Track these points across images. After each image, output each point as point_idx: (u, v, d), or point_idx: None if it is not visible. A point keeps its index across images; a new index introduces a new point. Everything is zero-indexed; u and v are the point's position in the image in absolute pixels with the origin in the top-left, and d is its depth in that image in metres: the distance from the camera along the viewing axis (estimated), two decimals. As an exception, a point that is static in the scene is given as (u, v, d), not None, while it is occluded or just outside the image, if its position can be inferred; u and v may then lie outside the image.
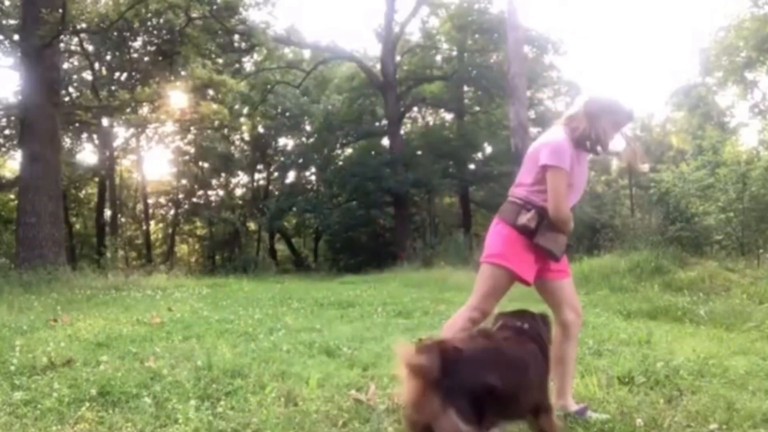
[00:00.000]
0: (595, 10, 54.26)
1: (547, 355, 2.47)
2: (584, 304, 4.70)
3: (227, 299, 8.58)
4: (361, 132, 25.58)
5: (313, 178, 28.66)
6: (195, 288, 10.76)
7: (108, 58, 20.08)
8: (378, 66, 23.59)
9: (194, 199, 27.17)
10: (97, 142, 23.08)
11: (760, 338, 4.97)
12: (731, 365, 3.80)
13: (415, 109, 27.71)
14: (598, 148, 2.85)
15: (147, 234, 25.48)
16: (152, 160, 42.20)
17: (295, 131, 27.03)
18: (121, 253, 20.27)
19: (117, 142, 23.27)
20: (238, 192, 29.60)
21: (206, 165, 27.03)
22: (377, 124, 25.83)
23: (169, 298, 8.71)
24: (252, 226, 28.00)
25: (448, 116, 28.41)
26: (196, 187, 27.07)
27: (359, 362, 3.91)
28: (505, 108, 17.12)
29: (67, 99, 18.72)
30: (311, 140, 26.77)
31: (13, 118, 18.00)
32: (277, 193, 27.49)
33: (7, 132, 20.09)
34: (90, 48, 18.85)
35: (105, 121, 20.57)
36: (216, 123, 19.90)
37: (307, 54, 27.13)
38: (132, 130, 22.52)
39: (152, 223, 27.69)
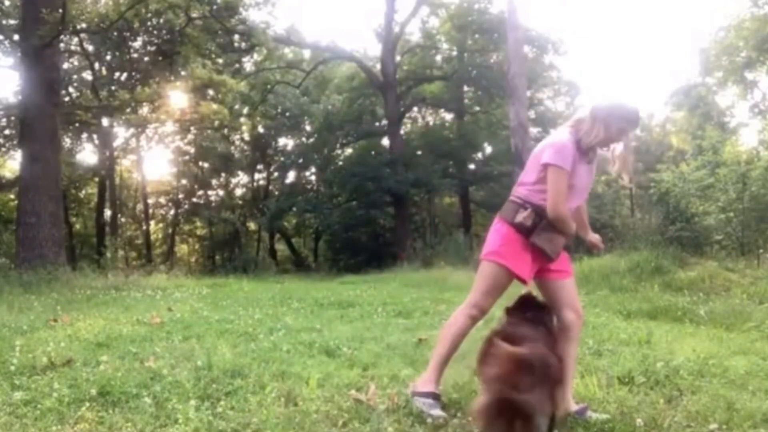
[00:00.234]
0: (595, 10, 54.31)
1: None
2: (584, 304, 4.69)
3: (227, 299, 8.57)
4: (361, 132, 25.59)
5: (313, 178, 28.68)
6: (195, 288, 10.75)
7: (108, 58, 20.08)
8: (378, 66, 23.59)
9: (194, 199, 27.18)
10: (97, 142, 23.09)
11: (760, 338, 4.97)
12: (731, 365, 3.80)
13: (415, 109, 27.72)
14: (600, 149, 2.88)
15: (147, 234, 25.49)
16: (152, 160, 42.25)
17: (295, 131, 27.03)
18: (121, 253, 20.28)
19: (117, 142, 23.28)
20: (238, 192, 29.65)
21: (206, 165, 27.03)
22: (377, 124, 25.83)
23: (169, 298, 8.71)
24: (252, 226, 28.01)
25: (448, 116, 28.43)
26: (196, 187, 27.07)
27: (359, 362, 3.91)
28: (505, 108, 17.13)
29: (67, 99, 18.72)
30: (311, 140, 26.78)
31: (13, 118, 18.00)
32: (277, 193, 27.50)
33: (7, 132, 20.10)
34: (90, 48, 18.85)
35: (105, 121, 20.57)
36: (216, 123, 19.91)
37: (307, 54, 27.14)
38: (132, 130, 22.52)
39: (152, 223, 27.70)
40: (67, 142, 21.72)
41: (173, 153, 26.12)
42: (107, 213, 23.50)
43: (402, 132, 24.74)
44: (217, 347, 4.39)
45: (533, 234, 2.76)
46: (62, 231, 13.80)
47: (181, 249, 29.19)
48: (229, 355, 4.07)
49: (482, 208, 26.76)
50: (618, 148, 2.89)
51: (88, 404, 2.90)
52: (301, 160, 27.19)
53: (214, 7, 16.10)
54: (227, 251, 25.79)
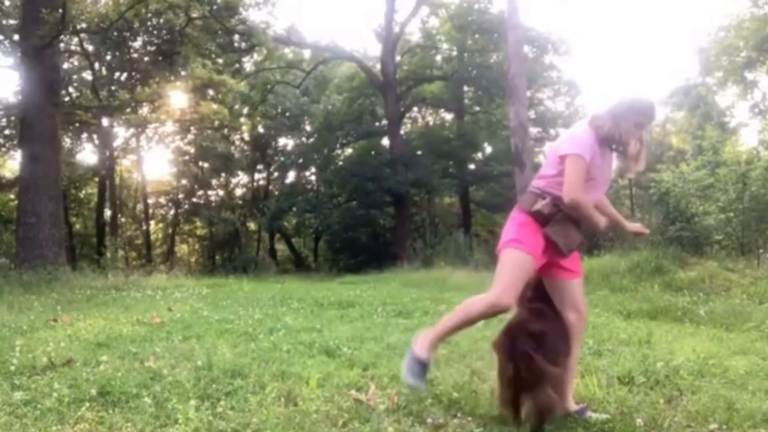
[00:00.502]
0: (595, 10, 54.29)
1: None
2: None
3: (227, 299, 8.58)
4: (361, 132, 25.59)
5: (313, 178, 28.69)
6: (195, 288, 10.76)
7: (108, 58, 20.06)
8: (378, 66, 23.59)
9: (194, 199, 27.18)
10: (97, 142, 23.09)
11: (760, 338, 4.98)
12: (731, 365, 3.80)
13: (415, 109, 27.72)
14: (620, 148, 2.87)
15: (147, 234, 25.49)
16: (152, 160, 42.27)
17: (295, 131, 27.03)
18: (121, 253, 20.28)
19: (117, 142, 23.29)
20: (238, 192, 29.65)
21: (206, 165, 27.03)
22: (377, 124, 25.83)
23: (169, 298, 8.71)
24: (252, 226, 28.02)
25: (448, 116, 28.43)
26: (196, 187, 27.07)
27: (359, 362, 3.91)
28: (505, 108, 17.12)
29: (67, 99, 18.71)
30: (311, 140, 26.79)
31: (13, 118, 18.00)
32: (277, 193, 27.51)
33: (7, 132, 20.10)
34: (90, 48, 18.83)
35: (105, 121, 20.57)
36: (216, 123, 19.91)
37: (307, 54, 27.14)
38: (132, 130, 22.52)
39: (152, 223, 27.70)
40: (67, 142, 21.72)
41: (173, 153, 26.13)
42: (107, 213, 23.51)
43: (402, 132, 24.75)
44: (217, 347, 4.39)
45: (549, 224, 2.76)
46: (62, 231, 13.81)
47: (181, 249, 29.20)
48: (229, 355, 4.07)
49: (482, 208, 26.78)
50: (635, 142, 2.90)
51: (88, 404, 2.90)
52: (301, 160, 27.20)
53: (214, 7, 16.09)
54: (227, 251, 25.77)
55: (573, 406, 2.84)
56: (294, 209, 24.25)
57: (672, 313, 6.26)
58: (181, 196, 27.32)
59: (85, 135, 23.03)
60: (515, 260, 2.76)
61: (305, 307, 7.40)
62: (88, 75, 20.18)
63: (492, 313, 2.81)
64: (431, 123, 29.00)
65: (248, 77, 23.11)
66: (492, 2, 23.11)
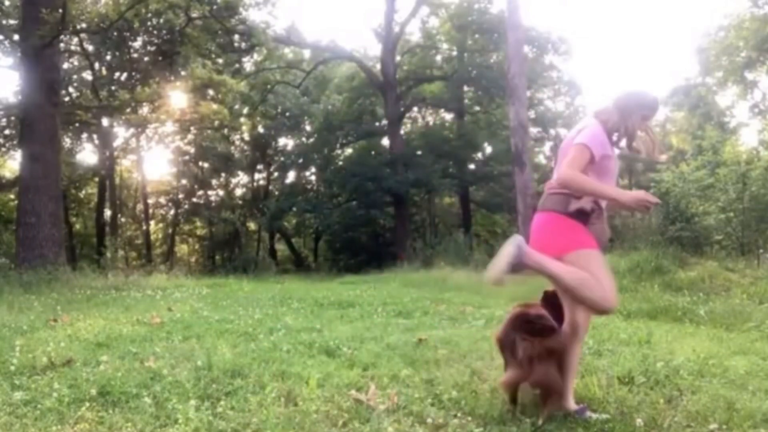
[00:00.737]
0: (595, 10, 54.30)
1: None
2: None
3: (227, 299, 8.58)
4: (361, 132, 25.59)
5: (313, 178, 28.70)
6: (195, 288, 10.77)
7: (108, 58, 20.07)
8: (378, 66, 23.60)
9: (194, 199, 27.18)
10: (97, 142, 23.10)
11: (760, 338, 4.98)
12: (731, 365, 3.80)
13: (415, 109, 27.73)
14: (624, 142, 2.89)
15: (147, 234, 25.49)
16: (152, 160, 42.29)
17: (295, 131, 27.04)
18: (121, 253, 20.28)
19: (117, 142, 23.29)
20: (238, 192, 29.66)
21: (206, 165, 27.04)
22: (377, 124, 25.85)
23: (169, 298, 8.71)
24: (252, 226, 28.02)
25: (448, 116, 28.43)
26: (196, 187, 27.07)
27: (359, 362, 3.91)
28: (505, 108, 17.13)
29: (67, 99, 18.72)
30: (311, 140, 26.79)
31: (13, 118, 18.00)
32: (277, 193, 27.52)
33: (7, 132, 20.10)
34: (90, 48, 18.83)
35: (105, 121, 20.58)
36: (216, 123, 19.91)
37: (307, 54, 27.15)
38: (132, 130, 22.52)
39: (152, 223, 27.70)
40: (67, 142, 21.72)
41: (173, 153, 26.13)
42: (107, 213, 23.51)
43: (402, 132, 24.75)
44: (217, 347, 4.39)
45: (590, 222, 2.76)
46: (62, 231, 13.81)
47: (181, 249, 29.20)
48: (229, 355, 4.07)
49: (482, 208, 26.77)
50: (641, 134, 2.91)
51: (88, 404, 2.90)
52: (301, 160, 27.21)
53: (214, 7, 16.10)
54: (227, 251, 25.78)
55: (573, 405, 2.85)
56: (294, 209, 24.26)
57: (672, 313, 6.26)
58: (181, 196, 27.33)
59: (85, 135, 23.04)
60: (588, 258, 2.71)
61: (305, 307, 7.40)
62: (88, 75, 20.19)
63: (600, 306, 2.69)
64: (431, 123, 29.00)
65: (248, 77, 23.12)
66: (492, 2, 23.16)
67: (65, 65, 18.74)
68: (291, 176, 28.91)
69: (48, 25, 12.13)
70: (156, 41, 18.48)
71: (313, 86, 25.92)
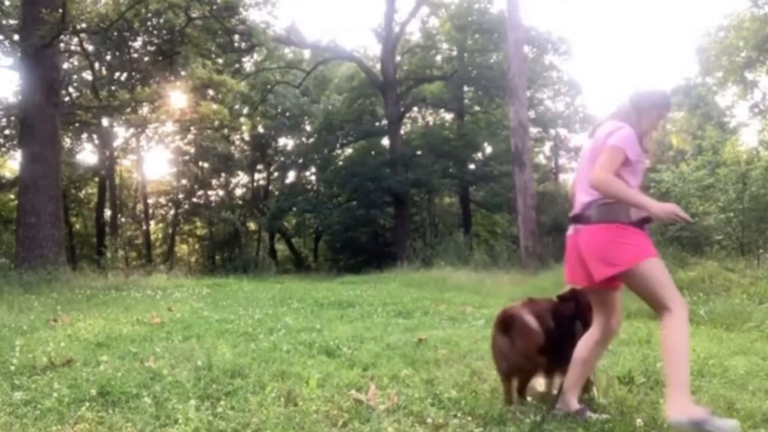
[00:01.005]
0: (595, 10, 54.29)
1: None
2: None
3: (227, 299, 8.58)
4: (361, 132, 25.60)
5: (313, 178, 28.70)
6: (195, 288, 10.77)
7: (108, 58, 20.07)
8: (378, 66, 23.60)
9: (194, 199, 27.19)
10: (97, 142, 23.10)
11: (760, 338, 4.98)
12: (731, 365, 3.80)
13: (415, 109, 27.73)
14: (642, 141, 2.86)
15: (147, 234, 25.50)
16: (152, 160, 42.34)
17: (295, 131, 27.04)
18: (121, 253, 20.27)
19: (117, 142, 23.30)
20: (238, 192, 29.67)
21: (206, 165, 27.05)
22: (377, 124, 25.84)
23: (169, 298, 8.72)
24: (252, 226, 28.03)
25: (448, 116, 28.44)
26: (196, 187, 27.08)
27: (359, 362, 3.91)
28: (505, 108, 17.13)
29: (67, 99, 18.72)
30: (311, 140, 26.79)
31: (13, 118, 18.00)
32: (277, 193, 27.52)
33: (7, 132, 20.10)
34: (90, 48, 18.84)
35: (105, 121, 20.57)
36: (216, 123, 19.88)
37: (307, 54, 27.14)
38: (132, 130, 22.52)
39: (152, 223, 27.71)
40: (67, 142, 21.73)
41: (173, 153, 26.14)
42: (107, 213, 23.52)
43: (402, 132, 24.75)
44: (217, 347, 4.39)
45: (644, 229, 2.74)
46: (62, 231, 13.80)
47: (181, 249, 29.20)
48: (229, 355, 4.07)
49: (482, 208, 26.77)
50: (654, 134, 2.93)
51: (88, 404, 2.90)
52: (301, 160, 27.22)
53: (214, 7, 16.09)
54: (227, 251, 25.80)
55: (575, 405, 2.84)
56: (294, 209, 24.26)
57: (672, 313, 6.24)
58: (181, 196, 27.33)
59: (85, 135, 23.05)
60: (656, 269, 2.68)
61: (305, 307, 7.40)
62: (88, 75, 20.19)
63: (684, 320, 2.64)
64: (431, 123, 29.00)
65: (248, 77, 23.12)
66: (492, 2, 23.17)
67: (65, 65, 18.75)
68: (291, 176, 28.95)
69: (48, 25, 12.13)
70: (156, 41, 18.48)
71: (313, 86, 25.92)
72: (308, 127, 26.93)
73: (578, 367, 2.88)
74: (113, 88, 18.65)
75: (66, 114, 16.20)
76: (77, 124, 20.36)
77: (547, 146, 29.19)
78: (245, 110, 25.22)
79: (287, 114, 25.75)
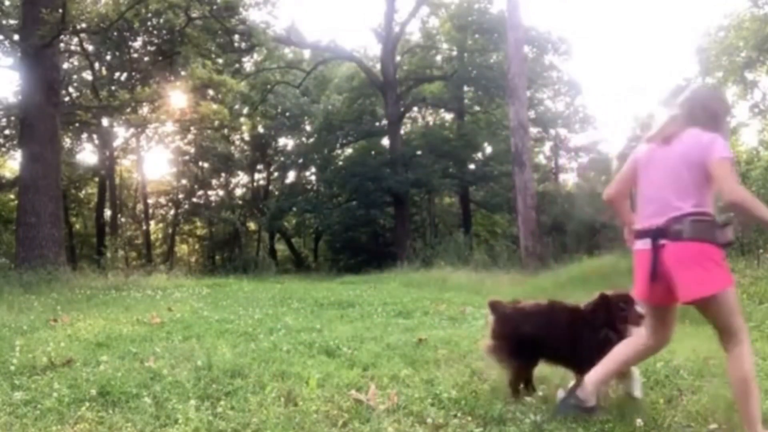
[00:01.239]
0: (595, 10, 54.26)
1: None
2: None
3: (227, 299, 8.58)
4: (361, 132, 25.59)
5: (313, 178, 28.70)
6: (195, 288, 10.77)
7: (108, 58, 20.08)
8: (378, 66, 23.60)
9: (194, 199, 27.20)
10: (97, 142, 23.11)
11: (760, 338, 4.97)
12: (731, 365, 3.78)
13: (415, 109, 27.73)
14: None
15: (147, 234, 25.50)
16: (152, 160, 42.32)
17: (295, 131, 27.05)
18: (121, 253, 20.27)
19: (117, 142, 23.30)
20: (238, 192, 29.68)
21: (206, 165, 27.05)
22: (377, 124, 25.84)
23: (169, 298, 8.72)
24: (252, 226, 28.03)
25: (448, 116, 28.43)
26: (196, 187, 27.09)
27: (359, 362, 3.91)
28: (505, 108, 17.13)
29: (67, 99, 18.72)
30: (311, 140, 26.80)
31: (13, 118, 18.00)
32: (277, 193, 27.52)
33: (7, 132, 20.11)
34: (90, 48, 18.84)
35: (105, 121, 20.58)
36: (216, 123, 19.88)
37: (307, 54, 27.14)
38: (132, 130, 22.53)
39: (152, 223, 27.71)
40: (67, 142, 21.73)
41: (173, 153, 26.14)
42: (107, 213, 23.52)
43: (402, 132, 24.75)
44: (217, 347, 4.39)
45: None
46: (62, 231, 13.80)
47: (181, 249, 29.20)
48: (229, 355, 4.07)
49: (482, 208, 26.77)
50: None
51: (88, 404, 2.90)
52: (301, 160, 27.21)
53: (214, 7, 16.09)
54: (227, 251, 25.80)
55: (592, 401, 2.82)
56: (294, 209, 24.27)
57: (672, 313, 6.24)
58: (181, 196, 27.34)
59: (85, 135, 23.05)
60: (734, 296, 2.62)
61: (305, 307, 7.40)
62: (88, 75, 20.20)
63: (746, 346, 2.62)
64: (431, 123, 29.00)
65: (248, 77, 23.12)
66: (492, 2, 23.17)
67: (65, 65, 18.75)
68: (291, 176, 28.95)
69: (48, 25, 12.13)
70: (156, 41, 18.48)
71: (313, 86, 25.92)
72: (308, 127, 26.94)
73: (612, 366, 2.84)
74: (113, 88, 18.65)
75: (66, 114, 16.20)
76: (77, 124, 20.36)
77: (547, 146, 29.16)
78: (245, 110, 25.22)
79: (287, 114, 25.75)
